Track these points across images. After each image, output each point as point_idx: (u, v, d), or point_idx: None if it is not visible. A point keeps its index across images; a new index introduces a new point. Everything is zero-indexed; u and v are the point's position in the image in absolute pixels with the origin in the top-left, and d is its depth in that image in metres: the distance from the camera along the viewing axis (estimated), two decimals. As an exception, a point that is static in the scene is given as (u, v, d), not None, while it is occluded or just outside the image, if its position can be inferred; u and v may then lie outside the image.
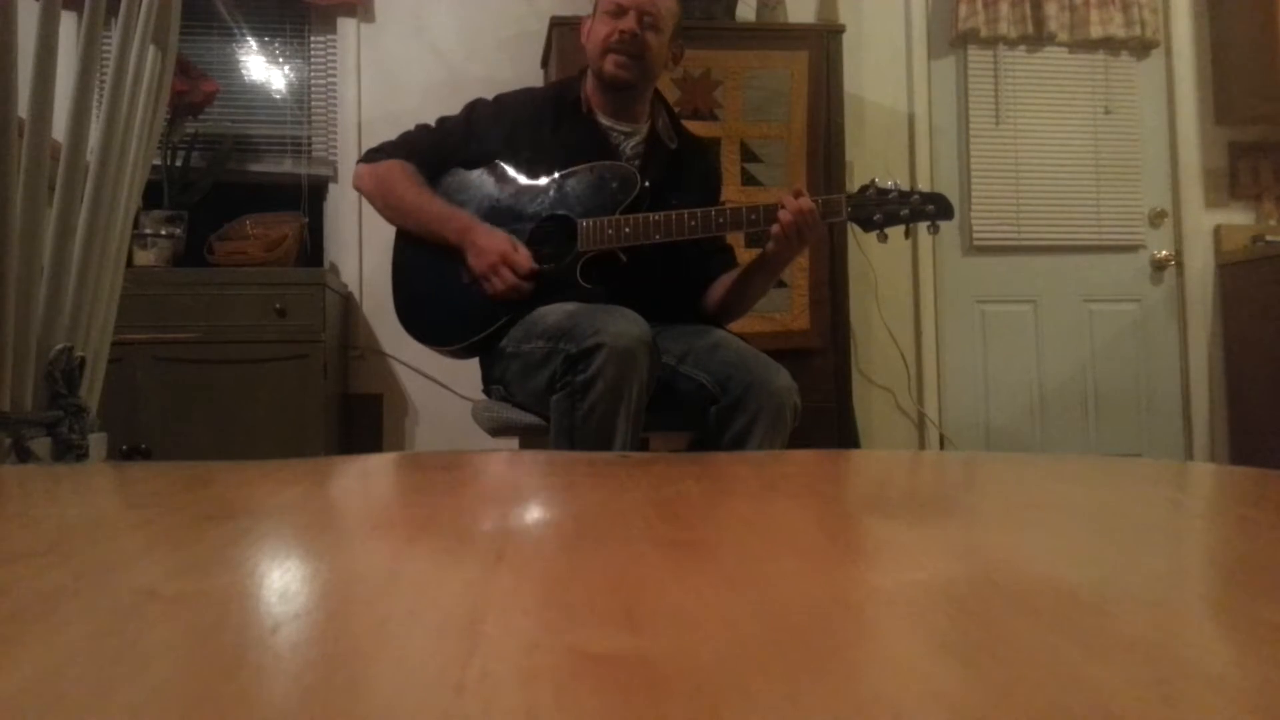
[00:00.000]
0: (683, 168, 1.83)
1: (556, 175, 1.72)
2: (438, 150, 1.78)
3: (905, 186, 1.68)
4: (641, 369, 1.47)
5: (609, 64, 1.71)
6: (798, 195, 1.61)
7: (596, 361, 1.45)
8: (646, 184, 1.70)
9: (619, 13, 1.70)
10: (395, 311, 1.78)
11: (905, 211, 1.65)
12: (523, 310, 1.65)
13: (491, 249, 1.65)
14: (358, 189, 1.81)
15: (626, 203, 1.68)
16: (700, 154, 1.95)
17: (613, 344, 1.44)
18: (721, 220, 1.66)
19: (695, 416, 1.63)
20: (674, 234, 1.65)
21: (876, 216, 1.65)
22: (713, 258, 1.84)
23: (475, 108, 1.82)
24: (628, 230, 1.66)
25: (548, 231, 1.70)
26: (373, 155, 1.79)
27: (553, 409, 1.53)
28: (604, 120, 1.78)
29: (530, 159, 1.74)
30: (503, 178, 1.75)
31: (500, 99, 1.83)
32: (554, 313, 1.58)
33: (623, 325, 1.47)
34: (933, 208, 1.65)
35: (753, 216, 1.65)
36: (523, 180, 1.74)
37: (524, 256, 1.65)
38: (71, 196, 1.15)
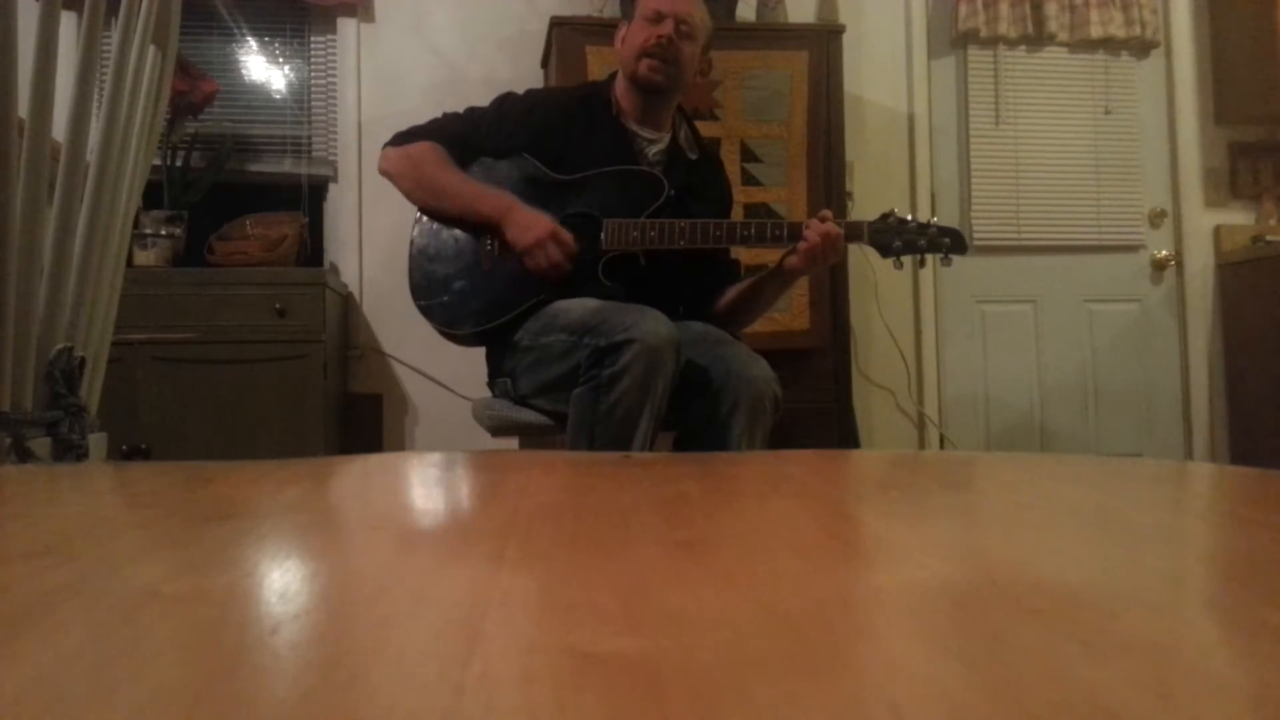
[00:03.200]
0: (700, 179, 1.87)
1: (585, 174, 1.75)
2: (467, 138, 1.79)
3: (923, 219, 1.75)
4: (669, 368, 1.50)
5: (643, 67, 1.75)
6: (824, 219, 1.66)
7: (626, 356, 1.47)
8: (672, 191, 1.74)
9: (657, 19, 1.74)
10: (410, 293, 1.78)
11: (923, 242, 1.71)
12: (540, 303, 1.68)
13: (538, 225, 1.68)
14: (384, 172, 1.80)
15: (653, 208, 1.72)
16: (716, 169, 1.99)
17: (644, 340, 1.47)
18: (747, 233, 1.70)
19: (677, 410, 1.64)
20: (698, 241, 1.69)
21: (896, 244, 1.71)
22: (721, 268, 1.88)
23: (506, 100, 1.84)
24: (653, 234, 1.70)
25: (574, 227, 1.73)
26: (401, 138, 1.80)
27: (574, 402, 1.54)
28: (631, 125, 1.81)
29: (557, 156, 1.77)
30: (530, 171, 1.77)
31: (531, 94, 1.86)
32: (577, 308, 1.61)
33: (653, 324, 1.50)
34: (948, 241, 1.71)
35: (776, 232, 1.69)
36: (550, 175, 1.77)
37: (569, 236, 1.68)
38: (71, 196, 1.15)
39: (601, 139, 1.78)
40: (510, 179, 1.77)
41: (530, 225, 1.68)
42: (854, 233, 1.71)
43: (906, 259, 1.73)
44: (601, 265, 1.70)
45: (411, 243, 1.80)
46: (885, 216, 1.72)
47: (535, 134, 1.77)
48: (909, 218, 1.72)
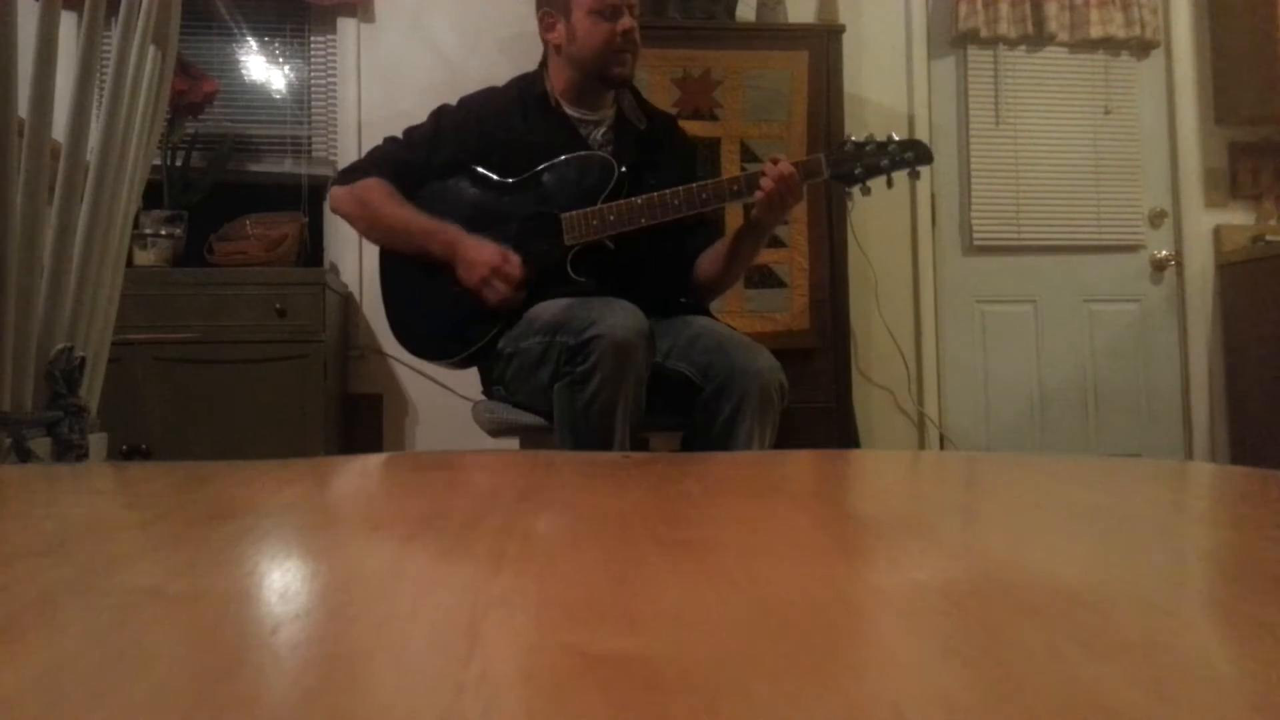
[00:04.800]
0: (655, 147, 1.82)
1: (533, 172, 1.72)
2: (410, 163, 1.76)
3: (881, 137, 1.68)
4: (638, 360, 1.49)
5: (617, 65, 1.71)
6: (777, 163, 1.62)
7: (594, 353, 1.46)
8: (624, 169, 1.70)
9: (614, 14, 1.70)
10: (390, 328, 1.78)
11: (885, 161, 1.66)
12: (516, 314, 1.66)
13: (480, 261, 1.65)
14: (336, 212, 1.79)
15: (606, 191, 1.69)
16: (671, 130, 1.93)
17: (609, 335, 1.46)
18: (705, 195, 1.66)
19: (684, 410, 1.63)
20: (659, 215, 1.66)
21: (857, 170, 1.66)
22: (699, 231, 1.83)
23: (442, 114, 1.80)
24: (612, 218, 1.66)
25: (533, 229, 1.70)
26: (347, 176, 1.77)
27: (555, 400, 1.54)
28: (571, 111, 1.78)
29: (503, 158, 1.74)
30: (480, 182, 1.74)
31: (465, 102, 1.81)
32: (549, 308, 1.60)
33: (619, 317, 1.48)
34: (911, 154, 1.66)
35: (734, 188, 1.66)
36: (500, 181, 1.73)
37: (514, 265, 1.65)
38: (71, 196, 1.15)
39: (544, 133, 1.75)
40: (462, 195, 1.74)
41: (475, 261, 1.65)
42: (813, 169, 1.67)
43: (877, 183, 1.67)
44: (569, 261, 1.68)
45: (381, 280, 1.78)
46: (841, 144, 1.69)
47: (477, 142, 1.74)
48: (865, 139, 1.67)
